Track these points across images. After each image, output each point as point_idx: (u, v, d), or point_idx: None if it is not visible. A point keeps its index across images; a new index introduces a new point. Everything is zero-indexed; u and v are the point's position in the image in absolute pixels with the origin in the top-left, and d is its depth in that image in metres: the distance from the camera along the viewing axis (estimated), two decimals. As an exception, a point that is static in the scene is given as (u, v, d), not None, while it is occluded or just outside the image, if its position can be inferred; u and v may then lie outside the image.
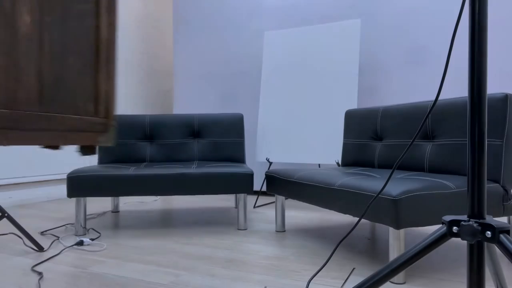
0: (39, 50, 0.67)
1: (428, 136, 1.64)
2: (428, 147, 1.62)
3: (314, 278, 1.28)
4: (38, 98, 0.67)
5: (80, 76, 0.76)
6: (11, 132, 0.63)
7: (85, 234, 1.91)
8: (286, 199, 3.06)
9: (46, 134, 0.69)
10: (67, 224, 2.13)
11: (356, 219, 2.26)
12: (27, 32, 0.65)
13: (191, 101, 3.67)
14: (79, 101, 0.76)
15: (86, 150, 0.82)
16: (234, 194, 2.42)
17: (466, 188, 1.09)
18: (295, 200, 2.82)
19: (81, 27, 0.76)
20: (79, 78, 0.76)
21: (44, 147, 0.63)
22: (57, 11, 0.71)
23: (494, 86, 2.59)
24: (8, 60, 0.61)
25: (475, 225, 0.73)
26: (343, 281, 1.25)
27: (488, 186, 1.34)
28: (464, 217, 0.77)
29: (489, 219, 0.75)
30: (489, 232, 0.72)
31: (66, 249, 1.64)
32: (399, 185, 1.25)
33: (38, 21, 0.67)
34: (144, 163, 2.31)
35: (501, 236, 0.71)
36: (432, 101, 1.74)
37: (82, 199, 1.92)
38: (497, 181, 1.38)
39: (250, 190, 1.98)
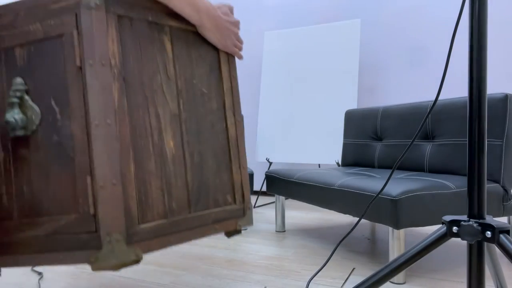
0: (183, 166, 0.82)
1: (428, 136, 1.64)
2: (428, 147, 1.62)
3: (314, 278, 1.28)
4: (187, 203, 0.81)
5: (217, 174, 0.90)
6: (171, 236, 0.77)
7: (85, 234, 1.91)
8: (286, 199, 3.06)
9: (197, 230, 0.83)
10: (67, 224, 2.13)
11: (356, 219, 2.26)
12: (173, 154, 0.80)
13: (191, 101, 3.66)
14: (219, 195, 0.89)
15: (231, 233, 0.92)
16: (234, 194, 2.41)
17: (466, 188, 1.09)
18: (295, 200, 2.82)
19: (213, 133, 0.90)
20: (217, 176, 0.89)
21: None
22: (193, 128, 0.85)
23: (494, 86, 2.59)
24: (161, 181, 0.76)
25: (475, 225, 0.73)
26: (343, 281, 1.25)
27: (488, 186, 1.34)
28: (464, 217, 0.77)
29: (489, 219, 0.75)
30: (489, 232, 0.72)
31: (66, 249, 1.64)
32: (399, 185, 1.25)
33: (180, 142, 0.82)
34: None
35: (501, 236, 0.70)
36: (432, 101, 1.74)
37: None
38: (497, 181, 1.38)
39: (250, 190, 1.97)
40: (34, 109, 0.71)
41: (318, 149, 2.66)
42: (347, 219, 2.29)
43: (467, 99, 0.77)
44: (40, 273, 1.34)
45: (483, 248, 0.74)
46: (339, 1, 3.08)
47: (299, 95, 2.81)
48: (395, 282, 1.23)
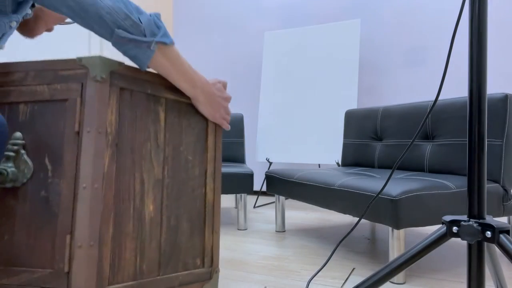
0: (160, 228, 0.84)
1: (428, 136, 1.64)
2: (428, 147, 1.62)
3: (314, 278, 1.28)
4: (157, 265, 0.83)
5: (190, 237, 0.92)
6: None
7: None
8: (286, 199, 3.06)
9: None
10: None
11: (356, 219, 2.26)
12: (151, 217, 0.82)
13: (191, 101, 3.66)
14: (188, 258, 0.91)
15: None
16: (234, 194, 2.42)
17: (466, 188, 1.09)
18: (295, 200, 2.82)
19: (192, 198, 0.93)
20: (189, 240, 0.91)
21: None
22: (174, 193, 0.88)
23: (494, 86, 2.59)
24: (136, 242, 0.79)
25: (475, 225, 0.73)
26: (343, 281, 1.25)
27: (488, 186, 1.34)
28: (464, 217, 0.77)
29: (489, 219, 0.75)
30: (489, 232, 0.72)
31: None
32: (399, 185, 1.25)
33: (160, 206, 0.84)
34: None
35: (501, 236, 0.71)
36: (432, 101, 1.74)
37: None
38: (497, 181, 1.38)
39: (250, 190, 1.98)
40: (28, 163, 0.74)
41: (318, 149, 2.66)
42: (347, 219, 2.28)
43: (467, 99, 0.77)
44: None
45: (483, 248, 0.74)
46: (339, 1, 3.08)
47: (299, 95, 2.81)
48: (395, 282, 1.23)
